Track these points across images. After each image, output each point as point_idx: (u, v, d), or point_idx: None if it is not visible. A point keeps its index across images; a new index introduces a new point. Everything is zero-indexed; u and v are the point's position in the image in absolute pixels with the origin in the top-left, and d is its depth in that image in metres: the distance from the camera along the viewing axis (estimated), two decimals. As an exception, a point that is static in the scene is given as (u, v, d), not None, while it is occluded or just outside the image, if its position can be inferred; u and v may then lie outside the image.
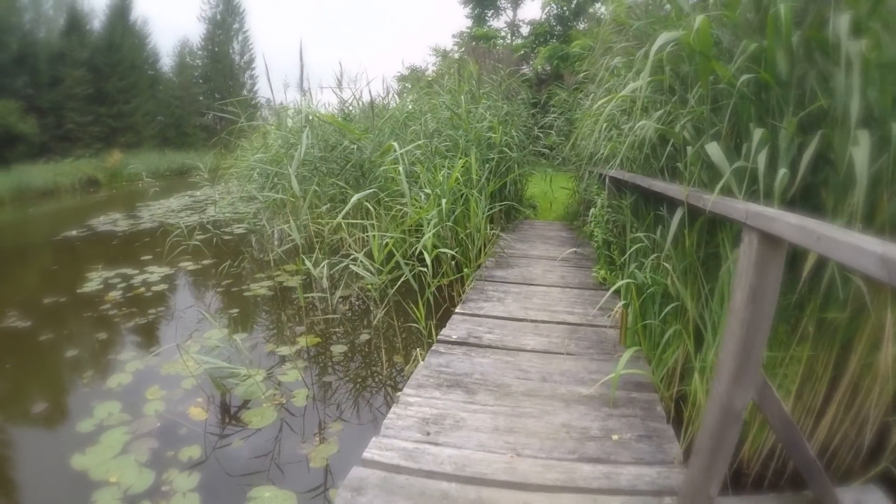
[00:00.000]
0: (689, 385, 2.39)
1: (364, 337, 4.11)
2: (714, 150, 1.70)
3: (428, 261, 3.27)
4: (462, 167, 4.14)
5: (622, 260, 3.85)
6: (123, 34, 28.31)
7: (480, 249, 4.41)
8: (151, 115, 28.69)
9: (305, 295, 4.25)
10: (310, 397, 3.33)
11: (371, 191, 3.99)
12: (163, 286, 6.06)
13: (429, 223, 3.54)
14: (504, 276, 4.34)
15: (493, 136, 5.45)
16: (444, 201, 3.72)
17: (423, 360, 2.77)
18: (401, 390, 2.49)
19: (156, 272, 6.63)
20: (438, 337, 3.04)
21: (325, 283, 3.47)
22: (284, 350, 4.02)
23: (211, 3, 32.12)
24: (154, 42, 30.06)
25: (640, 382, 2.55)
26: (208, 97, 31.07)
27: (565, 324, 3.35)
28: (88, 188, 20.49)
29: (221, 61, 31.94)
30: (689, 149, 1.97)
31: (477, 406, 2.31)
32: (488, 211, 4.53)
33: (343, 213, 3.53)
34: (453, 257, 3.85)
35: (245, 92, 30.47)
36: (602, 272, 3.97)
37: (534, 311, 3.53)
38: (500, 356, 2.81)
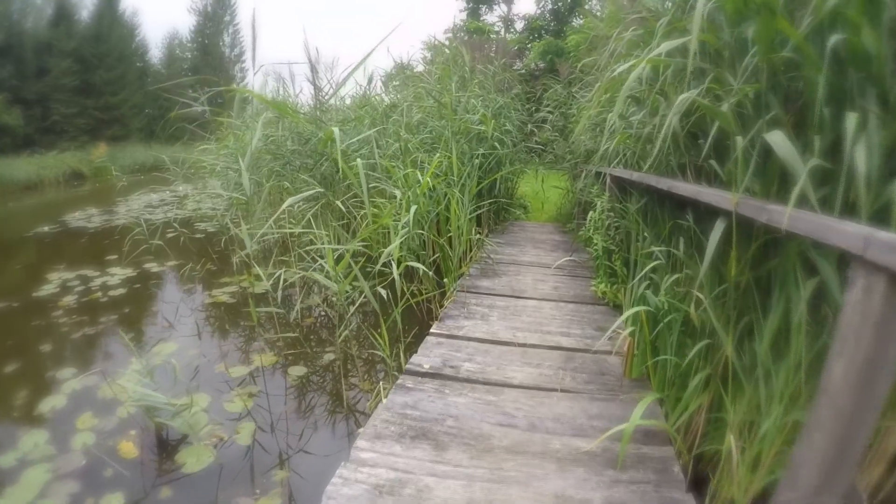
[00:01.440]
0: (715, 439, 1.90)
1: (328, 357, 3.58)
2: (779, 140, 1.20)
3: (396, 275, 2.76)
4: (437, 165, 3.61)
5: (626, 272, 3.37)
6: (111, 25, 27.72)
7: (463, 256, 3.90)
8: (139, 107, 28.04)
9: (259, 309, 3.72)
10: (256, 434, 2.82)
11: (314, 192, 3.41)
12: (121, 291, 5.54)
13: (397, 231, 3.01)
14: (490, 287, 3.83)
15: (484, 128, 4.94)
16: (413, 208, 3.18)
17: (385, 397, 2.25)
18: (358, 436, 1.99)
19: (117, 274, 6.13)
20: (407, 365, 2.52)
21: (279, 296, 2.95)
22: (237, 371, 3.51)
23: (202, -5, 31.48)
24: (143, 34, 29.46)
25: (649, 431, 2.04)
26: (196, 90, 30.41)
27: (560, 349, 2.84)
28: (73, 182, 19.96)
29: (211, 54, 31.30)
30: (734, 140, 1.45)
31: (447, 467, 1.80)
32: (474, 212, 4.03)
33: (275, 216, 2.99)
34: (428, 271, 3.33)
35: (235, 85, 29.77)
36: (602, 286, 3.46)
37: (523, 332, 3.02)
38: (481, 394, 2.29)
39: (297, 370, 3.46)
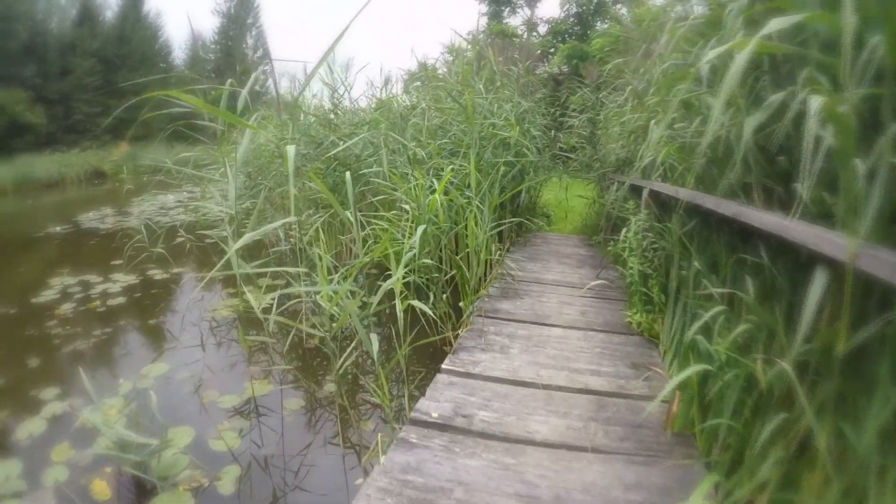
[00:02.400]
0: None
1: (329, 388, 3.24)
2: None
3: (399, 313, 2.40)
4: (451, 177, 3.24)
5: (664, 300, 2.98)
6: (135, 26, 28.07)
7: (482, 277, 3.54)
8: (161, 108, 28.26)
9: (250, 337, 3.40)
10: (241, 481, 2.49)
11: (281, 222, 2.95)
12: (120, 300, 5.30)
13: (399, 259, 2.61)
14: (510, 311, 3.46)
15: (510, 134, 4.57)
16: (421, 229, 2.81)
17: (383, 454, 1.89)
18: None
19: (119, 281, 5.91)
20: (413, 413, 2.16)
21: (271, 322, 2.62)
22: (229, 401, 3.18)
23: (225, -4, 31.71)
24: (167, 35, 29.73)
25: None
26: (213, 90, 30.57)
27: (589, 392, 2.45)
28: (94, 181, 20.12)
29: (234, 55, 31.46)
30: (849, 164, 1.07)
31: (453, 561, 1.45)
32: (495, 228, 3.65)
33: (237, 245, 2.57)
34: (435, 314, 2.94)
35: (258, 87, 29.88)
36: (637, 315, 3.06)
37: (547, 370, 2.64)
38: (497, 455, 1.92)
39: (294, 402, 3.12)
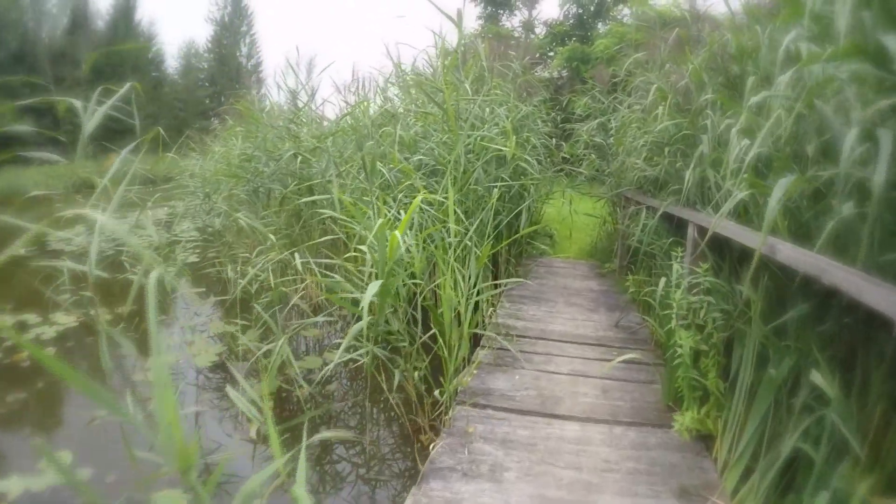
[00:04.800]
0: None
1: None
2: None
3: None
4: (410, 216, 2.32)
5: (723, 391, 2.10)
6: (126, 34, 27.49)
7: (466, 356, 2.63)
8: (153, 117, 27.60)
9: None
10: None
11: None
12: (49, 349, 4.44)
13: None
14: (507, 393, 2.54)
15: (507, 148, 3.64)
16: (373, 289, 1.93)
17: None
18: None
19: (57, 323, 5.06)
20: None
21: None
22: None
23: (219, 5, 31.16)
24: (160, 43, 29.18)
25: None
26: (213, 100, 29.98)
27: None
28: (82, 192, 19.40)
29: (228, 64, 30.84)
30: None
31: None
32: (489, 286, 2.76)
33: None
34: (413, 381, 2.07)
35: (252, 95, 29.15)
36: (687, 417, 2.16)
37: (560, 508, 1.76)
38: None
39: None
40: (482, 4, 19.91)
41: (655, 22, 4.88)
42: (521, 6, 20.13)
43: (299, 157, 3.81)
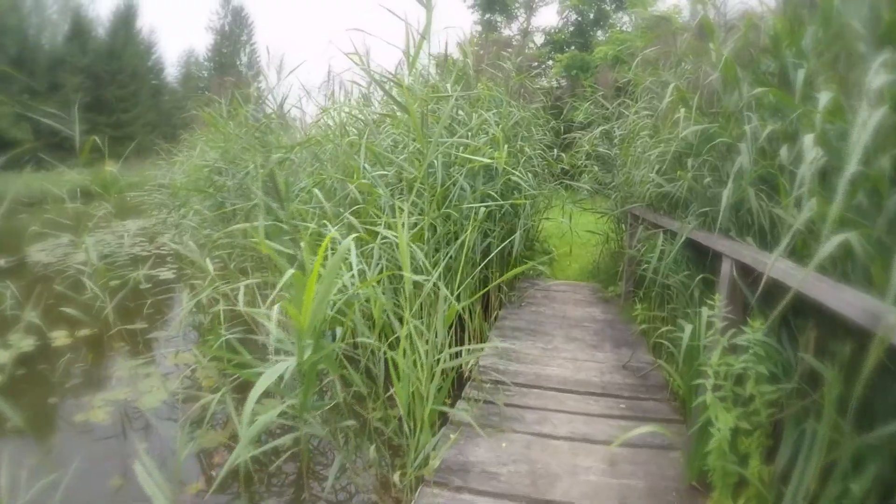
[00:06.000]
0: None
1: None
2: None
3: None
4: (344, 260, 1.75)
5: (767, 479, 1.58)
6: (126, 42, 27.33)
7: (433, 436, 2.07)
8: (152, 125, 27.35)
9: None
10: None
11: None
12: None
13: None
14: (489, 468, 2.00)
15: (494, 158, 3.11)
16: (281, 369, 1.41)
17: None
18: None
19: (12, 347, 4.56)
20: None
21: None
22: None
23: (219, 14, 31.04)
24: (161, 51, 29.07)
25: None
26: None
27: None
28: (78, 200, 19.03)
29: (228, 72, 30.66)
30: None
31: None
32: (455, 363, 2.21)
33: None
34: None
35: (251, 104, 28.87)
36: None
37: None
38: None
39: None
40: (479, 11, 19.55)
41: (661, 22, 4.41)
42: (518, 14, 19.76)
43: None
